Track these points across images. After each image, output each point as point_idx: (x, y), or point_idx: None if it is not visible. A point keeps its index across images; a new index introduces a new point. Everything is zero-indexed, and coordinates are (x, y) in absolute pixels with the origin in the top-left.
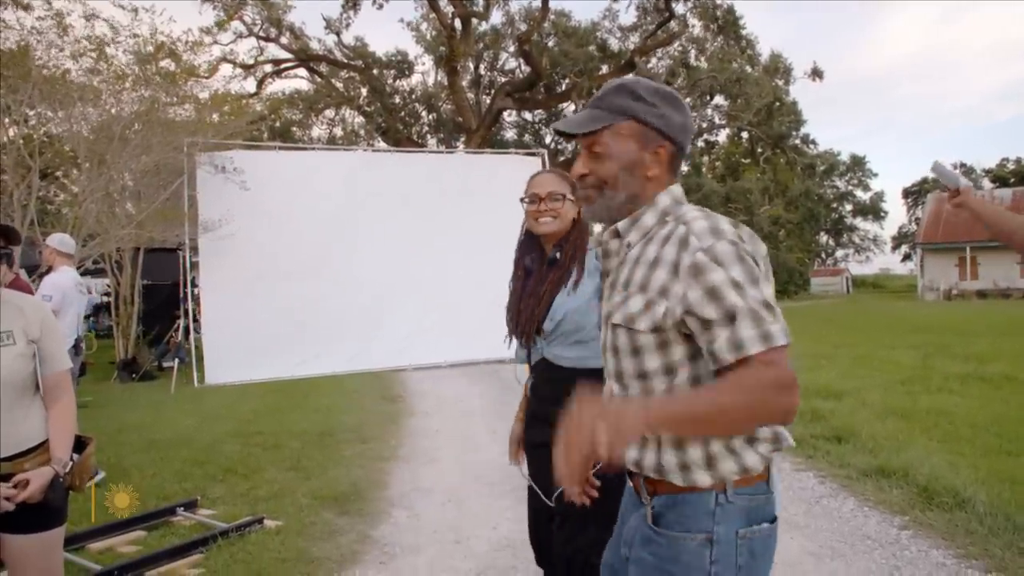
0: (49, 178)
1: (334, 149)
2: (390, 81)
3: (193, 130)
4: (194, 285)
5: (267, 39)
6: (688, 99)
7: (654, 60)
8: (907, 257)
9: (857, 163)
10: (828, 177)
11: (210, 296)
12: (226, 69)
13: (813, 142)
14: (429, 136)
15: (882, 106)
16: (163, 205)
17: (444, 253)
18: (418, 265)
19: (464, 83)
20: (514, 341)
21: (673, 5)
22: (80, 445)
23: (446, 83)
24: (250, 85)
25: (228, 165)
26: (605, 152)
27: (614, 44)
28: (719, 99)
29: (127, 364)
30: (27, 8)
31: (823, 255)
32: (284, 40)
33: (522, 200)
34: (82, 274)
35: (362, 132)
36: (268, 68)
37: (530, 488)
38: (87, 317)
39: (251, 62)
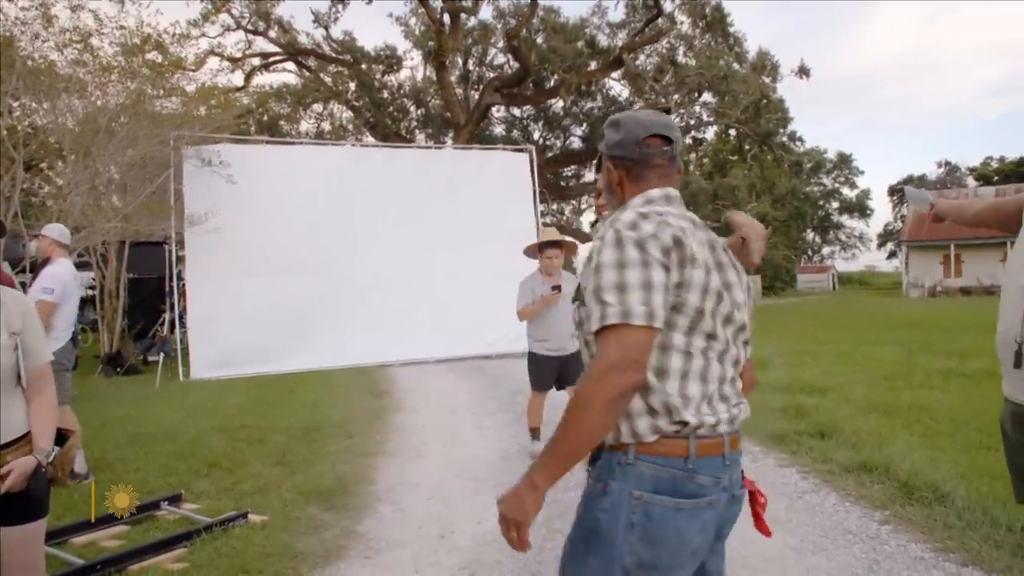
0: (34, 170)
1: (322, 143)
2: (378, 76)
3: (180, 123)
4: (180, 279)
5: (255, 32)
6: (676, 96)
7: (642, 57)
8: (892, 254)
9: (844, 161)
10: (815, 174)
11: (196, 290)
12: (214, 62)
13: (800, 139)
14: (417, 131)
15: (868, 104)
16: (149, 198)
17: (432, 248)
18: (406, 260)
19: (452, 78)
20: None
21: (661, 2)
22: (61, 438)
23: (434, 78)
24: (238, 79)
25: (215, 159)
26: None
27: (603, 40)
28: (707, 96)
29: (112, 358)
30: None
31: (809, 252)
32: (272, 34)
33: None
34: None
35: (350, 127)
36: (256, 62)
37: None
38: None
39: (239, 55)
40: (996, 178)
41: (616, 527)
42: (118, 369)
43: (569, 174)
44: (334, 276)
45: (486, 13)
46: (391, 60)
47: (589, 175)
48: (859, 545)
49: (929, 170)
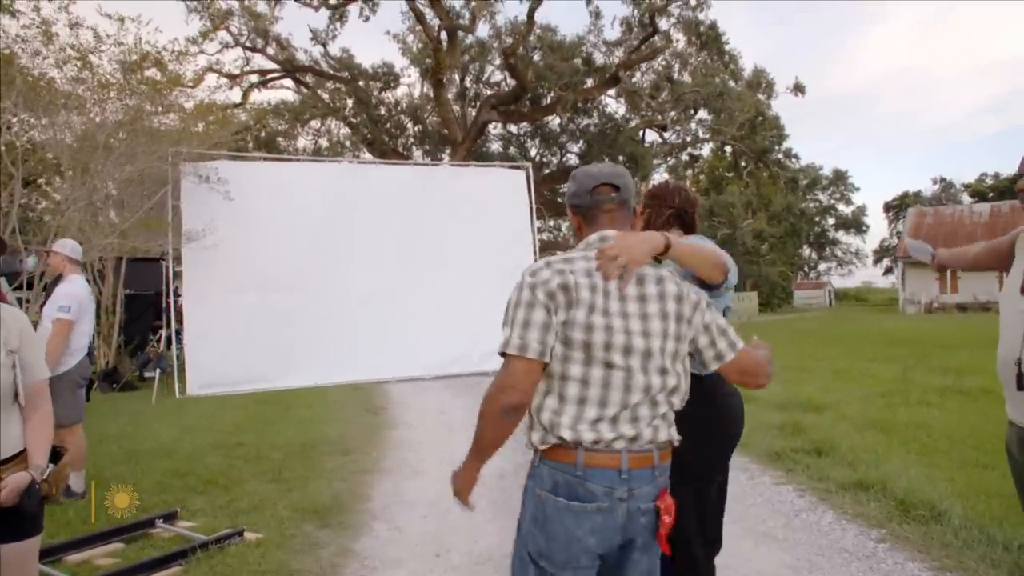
0: (32, 186)
1: (319, 160)
2: (376, 93)
3: (178, 139)
4: (176, 295)
5: (253, 49)
6: (672, 112)
7: (638, 74)
8: (889, 271)
9: (839, 177)
10: (811, 191)
11: (192, 306)
12: (212, 79)
13: (796, 156)
14: (415, 148)
15: (864, 121)
16: (146, 215)
17: (428, 265)
18: (402, 277)
19: (450, 95)
20: None
21: (657, 20)
22: (56, 455)
23: (432, 95)
24: (236, 95)
25: (212, 175)
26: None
27: (599, 58)
28: (703, 113)
29: (108, 374)
30: (14, 15)
31: (806, 268)
32: (270, 51)
33: None
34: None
35: (348, 143)
36: (254, 78)
37: None
38: None
39: (237, 72)
40: (991, 195)
41: (525, 519)
42: (114, 385)
43: (565, 191)
44: (331, 292)
45: (483, 31)
46: (388, 77)
47: None
48: (856, 564)
49: (924, 186)
